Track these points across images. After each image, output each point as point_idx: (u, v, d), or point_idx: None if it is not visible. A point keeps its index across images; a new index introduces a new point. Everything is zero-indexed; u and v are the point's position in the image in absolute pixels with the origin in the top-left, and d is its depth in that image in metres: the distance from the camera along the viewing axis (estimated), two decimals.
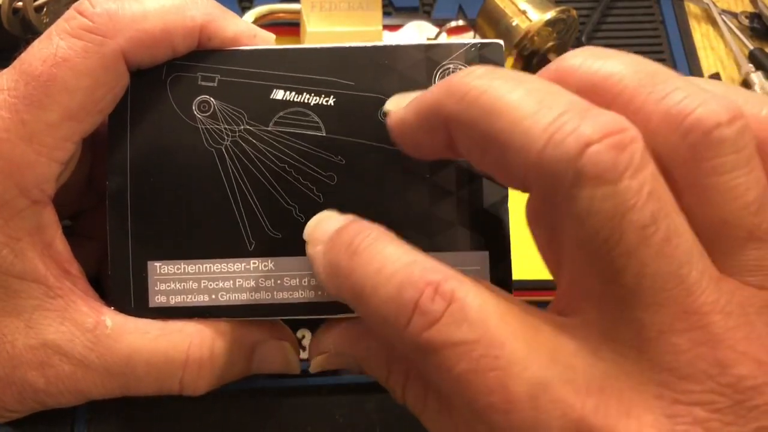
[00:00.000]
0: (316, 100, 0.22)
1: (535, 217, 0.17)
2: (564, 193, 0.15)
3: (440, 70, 0.22)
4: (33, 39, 0.21)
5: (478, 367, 0.15)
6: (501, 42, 0.22)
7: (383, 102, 0.22)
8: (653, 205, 0.15)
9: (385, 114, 0.20)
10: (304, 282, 0.22)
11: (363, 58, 0.22)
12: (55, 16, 0.33)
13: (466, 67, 0.22)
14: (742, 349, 0.15)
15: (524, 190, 0.17)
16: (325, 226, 0.19)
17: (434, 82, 0.22)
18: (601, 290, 0.15)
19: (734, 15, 0.41)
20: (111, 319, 0.22)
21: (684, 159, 0.15)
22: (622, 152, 0.14)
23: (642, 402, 0.15)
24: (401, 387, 0.21)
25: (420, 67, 0.22)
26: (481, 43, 0.22)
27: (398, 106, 0.20)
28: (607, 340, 0.15)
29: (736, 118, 0.15)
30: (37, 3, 0.32)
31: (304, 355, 0.29)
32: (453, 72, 0.22)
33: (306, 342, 0.29)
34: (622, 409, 0.15)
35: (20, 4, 0.32)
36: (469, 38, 0.38)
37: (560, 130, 0.15)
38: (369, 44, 0.22)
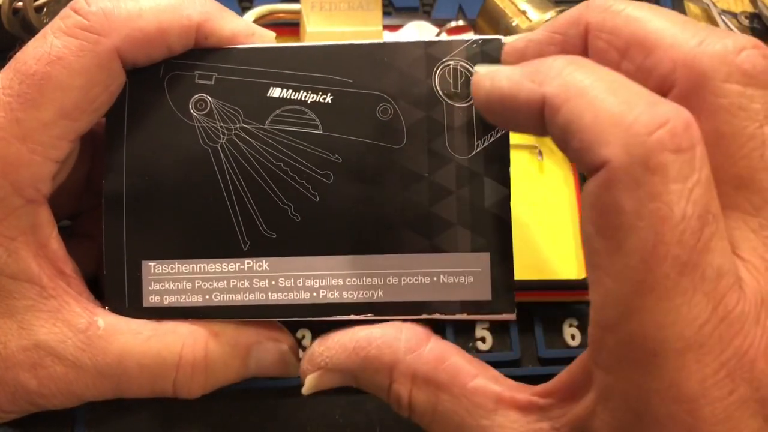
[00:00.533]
0: (313, 97, 0.22)
1: None
2: (714, 87, 0.16)
3: (440, 67, 0.22)
4: (28, 39, 0.21)
5: (698, 218, 0.15)
6: (501, 38, 0.22)
7: (382, 99, 0.22)
8: None
9: (502, 44, 0.21)
10: (299, 283, 0.22)
11: (361, 55, 0.22)
12: (55, 16, 0.33)
13: (467, 63, 0.22)
14: None
15: (662, 92, 0.17)
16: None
17: (434, 80, 0.22)
18: (735, 195, 0.16)
19: (734, 15, 0.40)
20: (103, 319, 0.22)
21: None
22: None
23: None
24: (407, 393, 0.21)
25: (420, 63, 0.22)
26: (483, 40, 0.22)
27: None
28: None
29: None
30: (37, 3, 0.32)
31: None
32: (454, 69, 0.22)
33: (306, 342, 0.29)
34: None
35: (20, 4, 0.32)
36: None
37: (710, 36, 0.16)
38: (368, 41, 0.22)
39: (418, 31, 0.38)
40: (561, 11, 0.34)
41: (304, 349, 0.29)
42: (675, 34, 0.17)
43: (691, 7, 0.41)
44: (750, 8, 0.41)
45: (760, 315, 0.15)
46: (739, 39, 0.16)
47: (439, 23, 0.38)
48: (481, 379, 0.20)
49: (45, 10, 0.32)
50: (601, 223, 0.16)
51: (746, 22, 0.40)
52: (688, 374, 0.15)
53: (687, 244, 0.15)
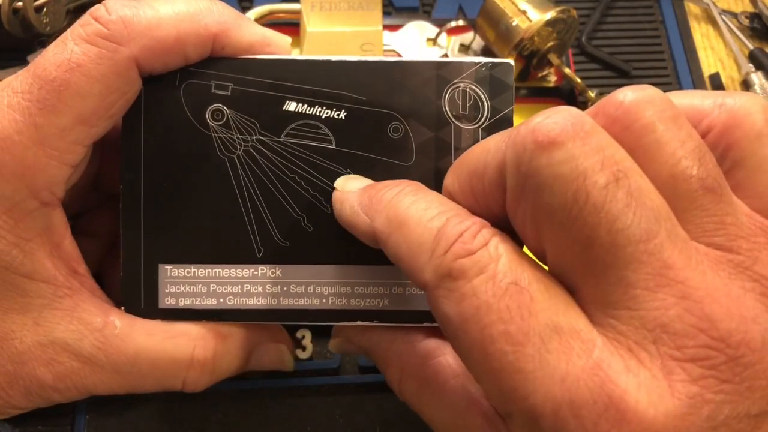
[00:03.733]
0: (327, 113, 0.22)
1: (513, 212, 0.18)
2: (526, 168, 0.16)
3: (450, 89, 0.22)
4: (48, 41, 0.21)
5: (504, 293, 0.16)
6: (511, 62, 0.22)
7: (394, 118, 0.22)
8: (612, 167, 0.15)
9: None
10: (310, 290, 0.23)
11: (376, 72, 0.22)
12: (54, 16, 0.33)
13: (476, 86, 0.22)
14: (726, 304, 0.15)
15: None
16: (361, 180, 0.22)
17: (444, 101, 0.22)
18: (583, 258, 0.16)
19: (734, 15, 0.41)
20: (119, 320, 0.22)
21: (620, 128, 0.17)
22: (571, 122, 0.16)
23: (639, 359, 0.15)
24: (397, 383, 0.22)
25: (431, 84, 0.22)
26: (492, 63, 0.22)
27: None
28: (599, 306, 0.16)
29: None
30: (37, 3, 0.32)
31: (303, 355, 0.29)
32: (463, 91, 0.22)
33: (306, 342, 0.29)
34: (621, 365, 0.15)
35: (20, 4, 0.32)
36: (473, 50, 0.38)
37: (515, 134, 0.17)
38: (382, 59, 0.23)
39: (418, 31, 0.38)
40: (561, 11, 0.34)
41: (304, 349, 0.29)
42: (495, 148, 0.18)
43: (691, 7, 0.41)
44: (750, 8, 0.41)
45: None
46: (539, 120, 0.17)
47: (439, 23, 0.38)
48: (461, 378, 0.21)
49: (45, 9, 0.33)
50: (445, 333, 0.18)
51: (746, 22, 0.40)
52: None
53: (509, 315, 0.16)
